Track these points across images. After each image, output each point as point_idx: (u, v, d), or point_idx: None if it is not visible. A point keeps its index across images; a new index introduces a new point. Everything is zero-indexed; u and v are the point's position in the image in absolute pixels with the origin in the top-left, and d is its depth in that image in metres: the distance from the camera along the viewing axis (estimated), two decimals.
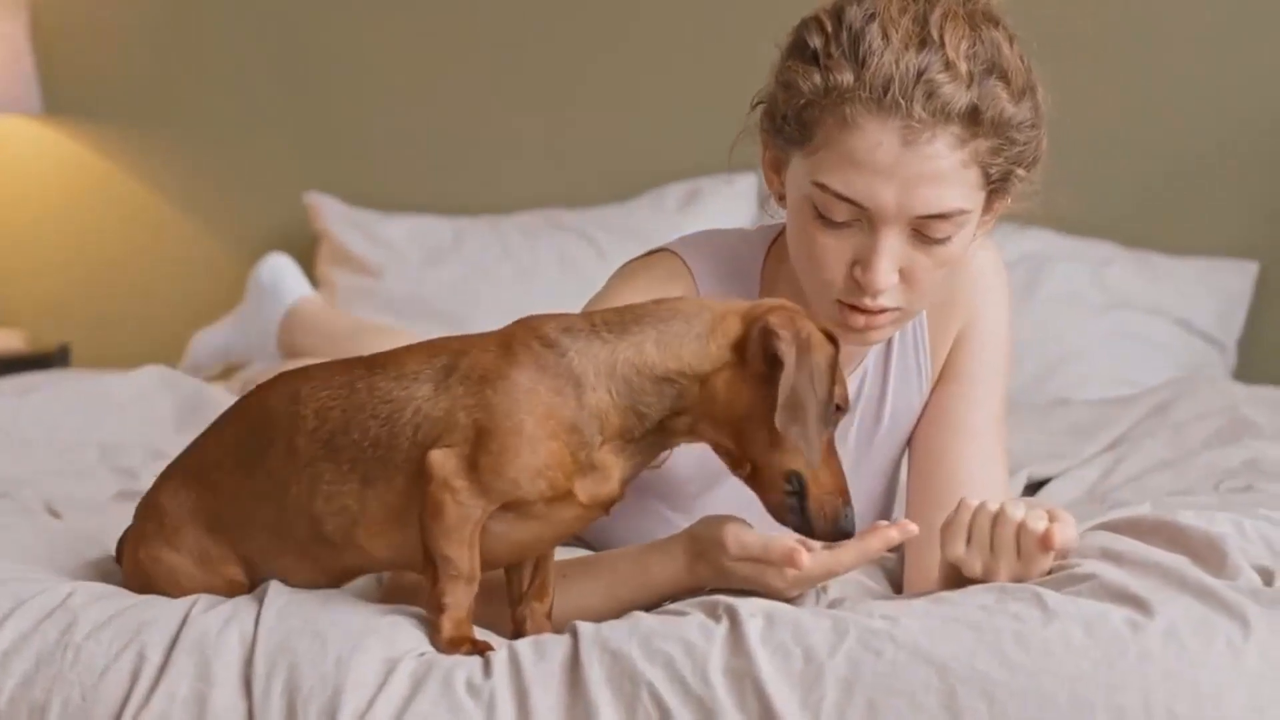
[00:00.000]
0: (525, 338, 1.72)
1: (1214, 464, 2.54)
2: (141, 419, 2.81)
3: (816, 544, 1.78)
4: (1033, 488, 2.53)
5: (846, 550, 1.77)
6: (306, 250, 4.21)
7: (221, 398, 3.02)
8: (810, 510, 1.71)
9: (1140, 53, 4.01)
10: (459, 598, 1.70)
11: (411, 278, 4.01)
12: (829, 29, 1.91)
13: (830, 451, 1.72)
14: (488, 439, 1.67)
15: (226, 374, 3.91)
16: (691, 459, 2.01)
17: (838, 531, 1.71)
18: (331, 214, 4.17)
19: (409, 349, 1.77)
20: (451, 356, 1.73)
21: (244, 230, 4.38)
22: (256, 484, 1.76)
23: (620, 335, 1.71)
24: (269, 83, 4.37)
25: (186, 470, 1.83)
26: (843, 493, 1.71)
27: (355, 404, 1.73)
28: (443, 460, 1.68)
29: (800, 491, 1.70)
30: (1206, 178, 4.01)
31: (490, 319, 3.91)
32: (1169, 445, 2.68)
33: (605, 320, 1.73)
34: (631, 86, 4.25)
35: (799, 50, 1.94)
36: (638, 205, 4.15)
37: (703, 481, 2.09)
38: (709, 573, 1.81)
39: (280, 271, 3.77)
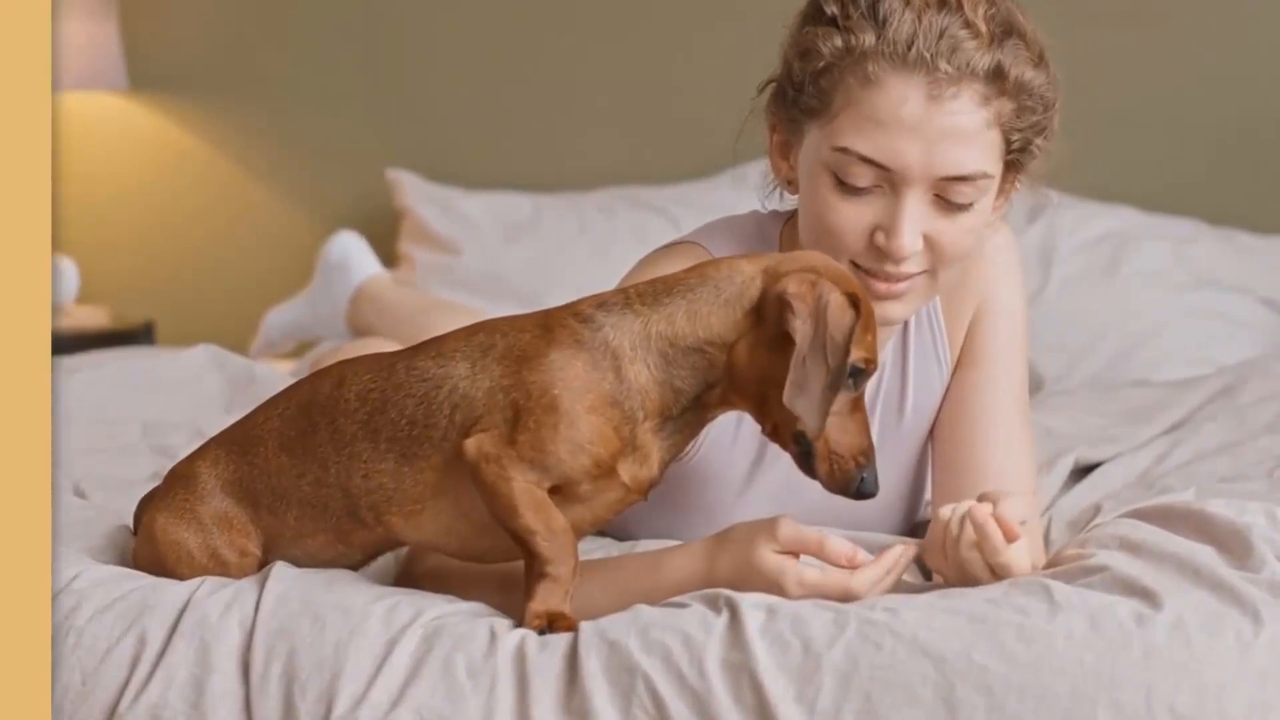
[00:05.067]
0: (563, 316, 1.73)
1: (1271, 449, 2.47)
2: (188, 398, 2.81)
3: (868, 555, 1.75)
4: (1081, 472, 2.47)
5: (863, 572, 1.73)
6: (389, 227, 4.21)
7: (272, 377, 3.03)
8: (819, 471, 1.70)
9: (1225, 22, 3.92)
10: (560, 570, 1.69)
11: (490, 255, 3.99)
12: None
13: (854, 411, 1.70)
14: (526, 417, 1.68)
15: (298, 352, 3.92)
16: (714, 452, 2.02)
17: (854, 494, 1.70)
18: (413, 191, 4.17)
19: (452, 332, 1.78)
20: (489, 335, 1.74)
21: (327, 207, 4.39)
22: (297, 463, 1.78)
23: (653, 307, 1.71)
24: (352, 59, 4.37)
25: (231, 443, 1.84)
26: (862, 453, 1.69)
27: (394, 384, 1.75)
28: (478, 443, 1.68)
29: (809, 452, 1.69)
30: None
31: (568, 297, 3.90)
32: (1230, 429, 2.60)
33: (639, 292, 1.73)
34: (714, 63, 4.21)
35: (815, 17, 1.94)
36: (719, 183, 4.11)
37: (735, 480, 2.07)
38: (729, 569, 1.77)
39: (349, 249, 3.77)
